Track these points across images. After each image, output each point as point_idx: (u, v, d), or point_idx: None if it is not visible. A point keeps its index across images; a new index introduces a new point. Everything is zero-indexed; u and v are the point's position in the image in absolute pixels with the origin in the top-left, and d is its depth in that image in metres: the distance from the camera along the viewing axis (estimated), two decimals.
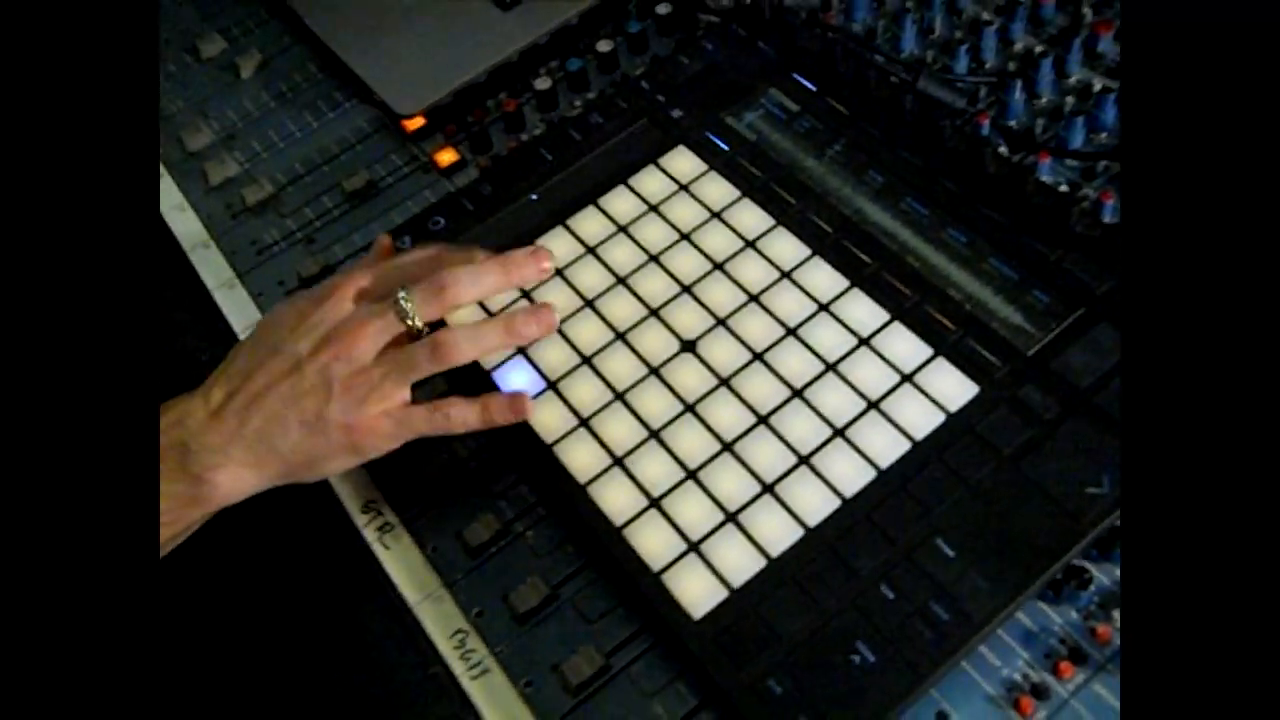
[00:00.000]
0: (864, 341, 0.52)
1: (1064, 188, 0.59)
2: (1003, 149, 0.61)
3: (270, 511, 0.53)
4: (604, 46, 0.70)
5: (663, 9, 0.71)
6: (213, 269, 0.67)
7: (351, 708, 0.52)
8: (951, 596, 0.44)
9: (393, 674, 0.52)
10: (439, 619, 0.51)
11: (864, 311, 0.53)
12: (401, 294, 0.51)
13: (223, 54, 0.79)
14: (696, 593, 0.46)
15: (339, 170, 0.70)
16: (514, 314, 0.53)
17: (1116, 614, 0.46)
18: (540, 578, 0.51)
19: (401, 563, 0.53)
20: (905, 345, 0.51)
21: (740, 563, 0.47)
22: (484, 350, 0.53)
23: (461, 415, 0.52)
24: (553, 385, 0.54)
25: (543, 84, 0.69)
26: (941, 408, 0.49)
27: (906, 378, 0.51)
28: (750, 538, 0.47)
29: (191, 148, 0.73)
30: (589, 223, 0.59)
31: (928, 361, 0.51)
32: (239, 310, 0.65)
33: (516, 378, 0.55)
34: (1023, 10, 0.67)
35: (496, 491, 0.54)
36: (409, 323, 0.51)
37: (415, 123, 0.70)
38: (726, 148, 0.60)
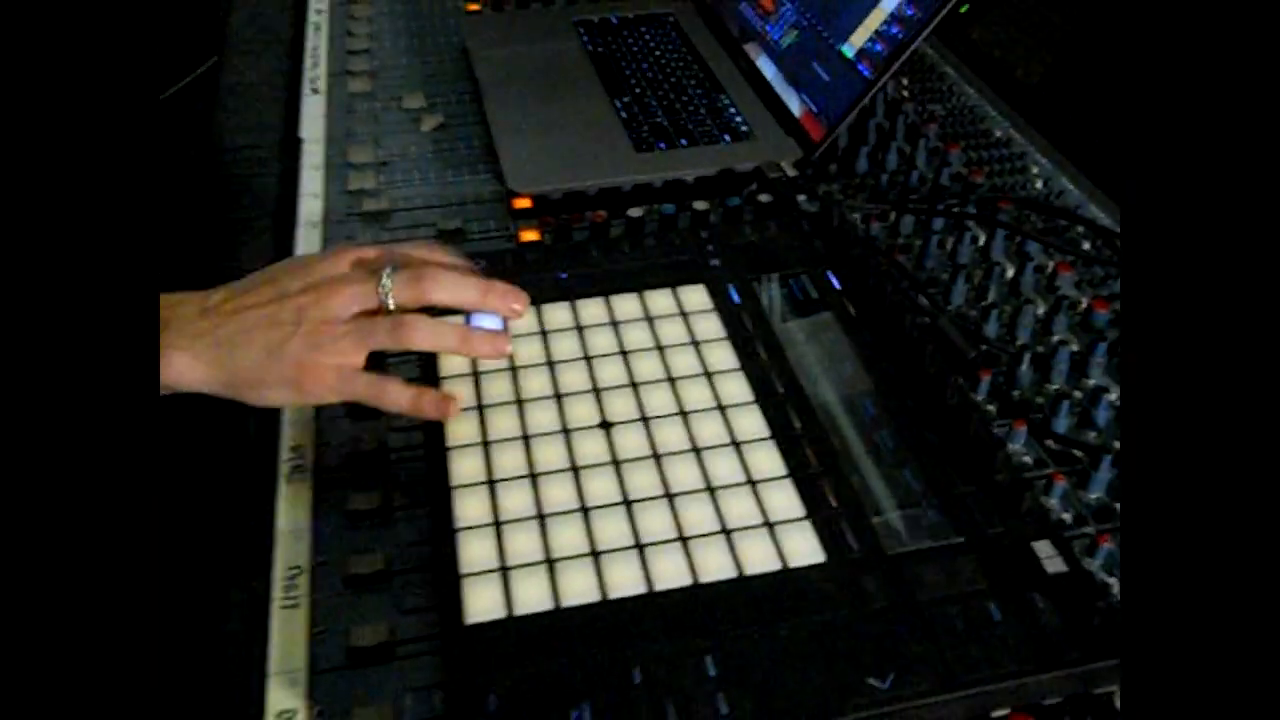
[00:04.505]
0: (751, 483, 0.55)
1: (1027, 459, 0.60)
2: (991, 408, 0.63)
3: (220, 419, 0.60)
4: (700, 205, 0.78)
5: (764, 198, 0.79)
6: (308, 247, 0.78)
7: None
8: (689, 711, 0.45)
9: (228, 576, 0.56)
10: (290, 557, 0.56)
11: (768, 462, 0.56)
12: (387, 271, 0.57)
13: (419, 109, 0.93)
14: (481, 604, 0.49)
15: (445, 215, 0.80)
16: (474, 332, 0.59)
17: None
18: (382, 554, 0.55)
19: (290, 501, 0.59)
20: (785, 500, 0.54)
21: (532, 598, 0.49)
22: (437, 346, 0.58)
23: (396, 395, 0.57)
24: (482, 409, 0.59)
25: (635, 213, 0.78)
26: (782, 559, 0.51)
27: (768, 524, 0.53)
28: (553, 584, 0.50)
29: (351, 160, 0.86)
30: (591, 309, 0.66)
31: (795, 520, 0.53)
32: None
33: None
34: (1068, 305, 0.70)
35: (403, 481, 0.59)
36: (383, 300, 0.57)
37: (522, 203, 0.80)
38: (738, 301, 0.66)
